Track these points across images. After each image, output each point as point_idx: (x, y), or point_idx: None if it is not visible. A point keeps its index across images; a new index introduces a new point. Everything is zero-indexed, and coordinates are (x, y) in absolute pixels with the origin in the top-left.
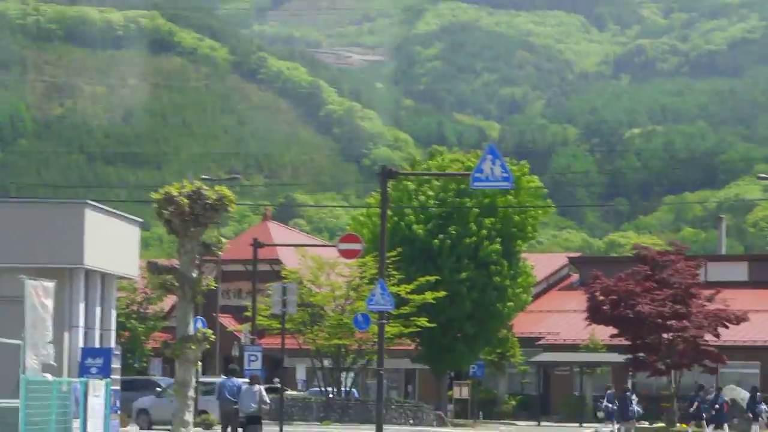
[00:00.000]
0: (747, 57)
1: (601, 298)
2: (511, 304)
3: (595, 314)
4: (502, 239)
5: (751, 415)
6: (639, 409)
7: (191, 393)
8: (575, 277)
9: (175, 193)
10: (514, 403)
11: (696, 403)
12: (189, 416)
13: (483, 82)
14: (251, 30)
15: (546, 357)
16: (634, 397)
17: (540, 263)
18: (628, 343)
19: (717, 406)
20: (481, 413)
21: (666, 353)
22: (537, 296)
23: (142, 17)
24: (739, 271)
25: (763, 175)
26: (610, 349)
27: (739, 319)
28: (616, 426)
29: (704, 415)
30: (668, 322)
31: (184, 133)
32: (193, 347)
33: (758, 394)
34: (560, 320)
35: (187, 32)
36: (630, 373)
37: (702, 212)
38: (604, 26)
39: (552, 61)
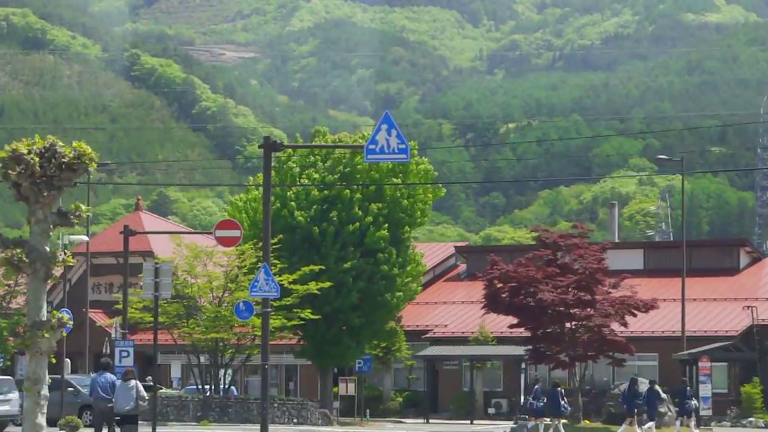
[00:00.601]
0: (620, 51)
1: (500, 285)
2: (399, 294)
3: (493, 303)
4: (389, 225)
5: (676, 411)
6: (568, 406)
7: (44, 391)
8: (462, 267)
9: (23, 150)
10: (400, 399)
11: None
12: (42, 418)
13: (357, 78)
14: (124, 28)
15: (434, 351)
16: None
17: (425, 253)
18: (528, 334)
19: (640, 401)
20: (368, 411)
21: (569, 344)
22: (423, 287)
23: (13, 14)
24: (636, 259)
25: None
26: (504, 341)
27: (648, 306)
28: (545, 422)
29: (636, 411)
30: (572, 311)
31: (57, 131)
32: (46, 335)
33: (688, 388)
34: (448, 312)
35: (60, 30)
36: (522, 367)
37: (578, 206)
38: (479, 22)
39: (426, 56)
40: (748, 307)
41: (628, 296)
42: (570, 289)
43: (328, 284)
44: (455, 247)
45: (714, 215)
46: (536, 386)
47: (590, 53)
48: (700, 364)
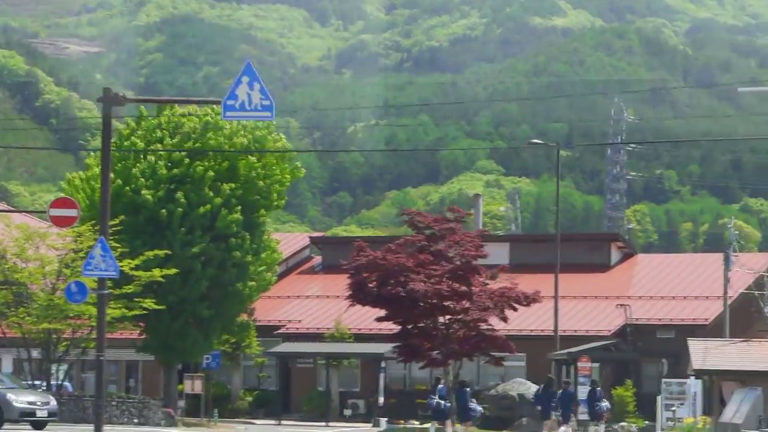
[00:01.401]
0: (468, 53)
1: (366, 274)
2: (252, 284)
3: (359, 293)
4: (243, 208)
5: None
6: (479, 407)
7: None
8: (318, 259)
9: None
10: (250, 399)
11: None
12: None
13: (204, 75)
14: None
15: (286, 348)
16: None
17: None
18: (397, 328)
19: (554, 402)
20: (216, 411)
21: (443, 340)
22: (277, 280)
23: None
24: (501, 253)
25: None
26: (361, 338)
27: (530, 299)
28: (453, 428)
29: (551, 413)
30: (446, 303)
31: None
32: None
33: (598, 390)
34: (302, 307)
35: None
36: (382, 366)
37: (425, 206)
38: (327, 21)
39: (274, 54)
40: (622, 305)
41: (509, 288)
42: (444, 279)
43: (173, 271)
44: (310, 237)
45: (562, 218)
46: (440, 385)
47: (438, 55)
48: (579, 364)
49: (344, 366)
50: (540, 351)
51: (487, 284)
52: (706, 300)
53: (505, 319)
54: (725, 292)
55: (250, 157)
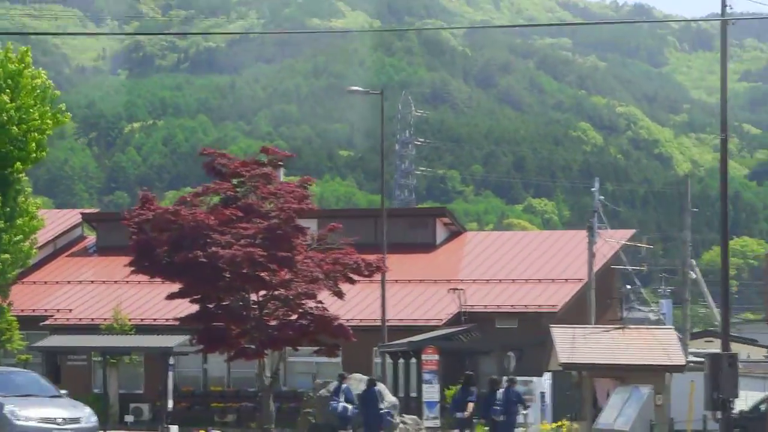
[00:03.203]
0: (246, 54)
1: (155, 234)
2: (6, 256)
3: (143, 259)
4: None
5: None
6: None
7: None
8: (91, 239)
9: None
10: None
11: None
12: None
13: None
14: None
15: (54, 342)
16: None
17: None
18: (194, 308)
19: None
20: None
21: (257, 324)
22: (42, 263)
23: None
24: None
25: None
26: (144, 330)
27: (373, 269)
28: None
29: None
30: (261, 274)
31: None
32: None
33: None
34: (73, 294)
35: None
36: (170, 362)
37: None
38: (102, 22)
39: (47, 54)
40: (455, 289)
41: (344, 253)
42: (258, 241)
43: None
44: (82, 214)
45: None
46: (344, 384)
47: (216, 55)
48: (423, 357)
49: (125, 363)
50: (361, 343)
51: (313, 251)
52: (552, 284)
53: (340, 295)
54: (590, 269)
55: (2, 94)
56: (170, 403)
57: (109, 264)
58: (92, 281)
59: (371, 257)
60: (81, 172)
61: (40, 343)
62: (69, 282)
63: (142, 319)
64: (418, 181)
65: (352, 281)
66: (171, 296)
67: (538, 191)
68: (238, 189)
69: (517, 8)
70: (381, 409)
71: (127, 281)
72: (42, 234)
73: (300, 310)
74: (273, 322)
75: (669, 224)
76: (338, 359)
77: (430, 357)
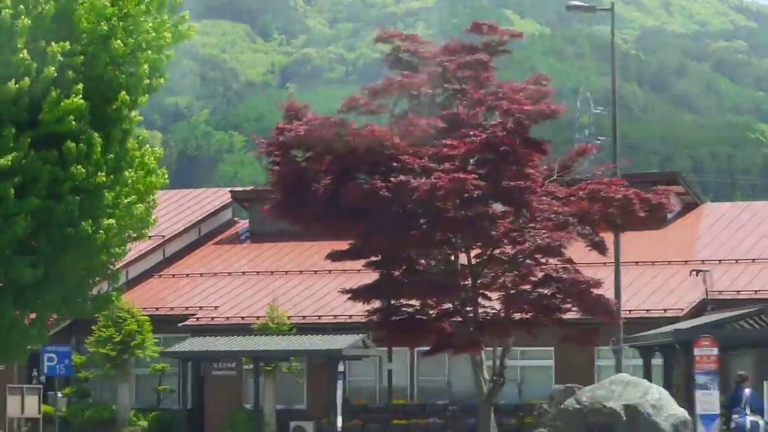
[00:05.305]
0: None
1: (304, 162)
2: (110, 221)
3: (292, 197)
4: (88, 90)
5: None
6: None
7: None
8: (243, 224)
9: None
10: (145, 423)
11: None
12: None
13: None
14: None
15: (195, 345)
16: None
17: (184, 204)
18: (376, 274)
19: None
20: None
21: (470, 299)
22: (183, 253)
23: None
24: None
25: None
26: (310, 329)
27: (654, 209)
28: None
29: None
30: (484, 224)
31: None
32: None
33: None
34: (220, 289)
35: None
36: (340, 370)
37: None
38: (270, 36)
39: (217, 69)
40: (699, 271)
41: (607, 184)
42: (471, 167)
43: None
44: (232, 192)
45: None
46: (746, 389)
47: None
48: (696, 351)
49: (283, 372)
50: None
51: (553, 180)
52: None
53: (601, 248)
54: None
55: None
56: (339, 421)
57: (264, 252)
58: (243, 273)
59: (647, 194)
60: (252, 183)
61: (177, 347)
62: (215, 274)
63: (303, 317)
64: None
65: (620, 228)
66: (334, 256)
67: (717, 195)
68: (437, 90)
69: (688, 12)
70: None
71: (286, 272)
72: (183, 217)
73: (537, 276)
74: (495, 296)
75: None
76: (548, 361)
77: (707, 352)
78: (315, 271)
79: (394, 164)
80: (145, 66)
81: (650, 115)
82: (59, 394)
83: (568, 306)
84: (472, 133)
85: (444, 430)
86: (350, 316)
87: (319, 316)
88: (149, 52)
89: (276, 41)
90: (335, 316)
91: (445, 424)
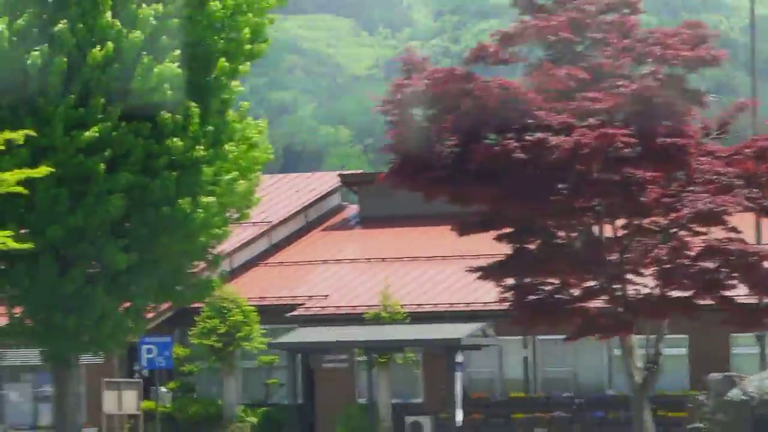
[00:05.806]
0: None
1: (440, 125)
2: (209, 200)
3: (411, 160)
4: (186, 56)
5: None
6: None
7: None
8: (353, 209)
9: None
10: (254, 420)
11: None
12: None
13: (251, 85)
14: None
15: (305, 336)
16: None
17: (290, 188)
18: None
19: None
20: None
21: (618, 276)
22: (290, 240)
23: None
24: None
25: None
26: (427, 318)
27: None
28: None
29: None
30: (633, 188)
31: None
32: None
33: None
34: (329, 277)
35: None
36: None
37: None
38: (374, 30)
39: (322, 64)
40: None
41: None
42: (618, 123)
43: (45, 171)
44: (341, 176)
45: None
46: None
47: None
48: None
49: (397, 363)
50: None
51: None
52: None
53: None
54: None
55: None
56: (459, 416)
57: (375, 238)
58: (353, 259)
59: None
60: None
61: (284, 338)
62: (324, 261)
63: (419, 305)
64: None
65: None
66: (463, 226)
67: None
68: (577, 38)
69: None
70: None
71: (399, 258)
72: (289, 203)
73: (699, 246)
74: (647, 272)
75: None
76: (682, 349)
77: None
78: (429, 257)
79: (529, 121)
80: (246, 30)
81: (764, 103)
82: (163, 389)
83: (734, 282)
84: (620, 83)
85: (571, 425)
86: (468, 304)
87: (435, 304)
88: (250, 14)
89: (381, 35)
90: (452, 303)
91: (571, 419)
